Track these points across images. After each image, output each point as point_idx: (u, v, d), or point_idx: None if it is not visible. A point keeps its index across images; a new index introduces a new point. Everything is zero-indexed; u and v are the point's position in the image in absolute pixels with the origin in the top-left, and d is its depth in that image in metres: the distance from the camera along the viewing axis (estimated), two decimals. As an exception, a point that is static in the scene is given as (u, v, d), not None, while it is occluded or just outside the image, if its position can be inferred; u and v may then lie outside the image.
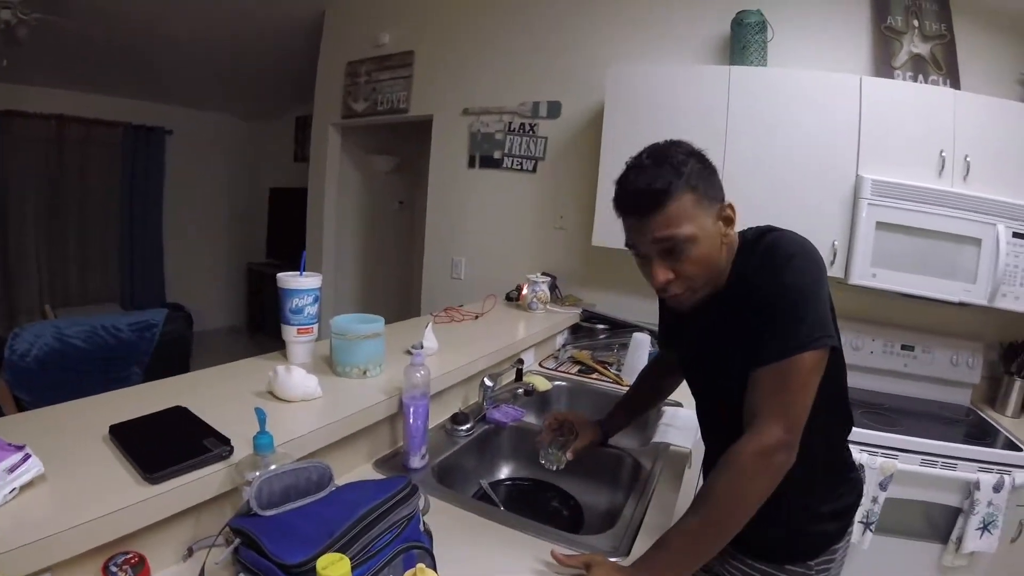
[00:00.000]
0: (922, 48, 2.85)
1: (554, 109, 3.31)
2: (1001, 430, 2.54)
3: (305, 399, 1.25)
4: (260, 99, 6.05)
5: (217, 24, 4.27)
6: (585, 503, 1.54)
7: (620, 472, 1.58)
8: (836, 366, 1.09)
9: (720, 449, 1.02)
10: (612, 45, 3.19)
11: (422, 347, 1.55)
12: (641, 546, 1.11)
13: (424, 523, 0.98)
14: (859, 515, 2.21)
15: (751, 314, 1.04)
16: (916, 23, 2.87)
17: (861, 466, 2.21)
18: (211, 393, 1.26)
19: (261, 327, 6.39)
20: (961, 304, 2.52)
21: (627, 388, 2.18)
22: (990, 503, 2.19)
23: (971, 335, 2.88)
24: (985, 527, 2.20)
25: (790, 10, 2.92)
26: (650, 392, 1.66)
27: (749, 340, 1.03)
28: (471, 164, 3.50)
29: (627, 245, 1.13)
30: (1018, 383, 2.72)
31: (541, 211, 3.39)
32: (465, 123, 3.50)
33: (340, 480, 1.00)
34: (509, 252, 3.46)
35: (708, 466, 1.43)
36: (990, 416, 2.73)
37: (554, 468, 1.46)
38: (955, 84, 2.79)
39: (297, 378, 1.24)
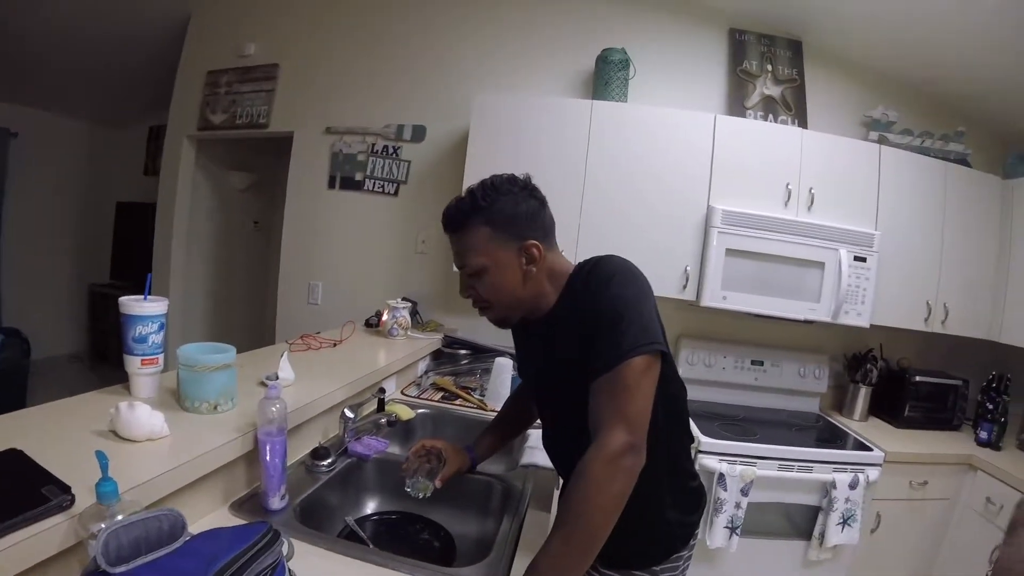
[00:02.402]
0: (774, 90, 3.24)
1: (419, 133, 3.40)
2: (850, 432, 2.92)
3: (151, 438, 1.20)
4: (114, 105, 5.65)
5: (74, 20, 4.00)
6: (456, 533, 1.58)
7: (490, 498, 1.63)
8: (668, 377, 1.22)
9: (564, 468, 1.13)
10: (480, 72, 3.35)
11: (277, 378, 1.53)
12: (517, 573, 1.17)
13: (289, 570, 0.97)
14: (724, 521, 2.45)
15: (580, 333, 1.16)
16: (770, 67, 3.26)
17: (722, 475, 2.47)
18: (49, 432, 1.19)
19: (104, 356, 5.96)
20: (807, 321, 2.87)
21: (491, 413, 2.29)
22: (847, 500, 2.51)
23: (816, 348, 3.29)
24: (845, 522, 2.52)
25: (652, 50, 3.25)
26: (519, 416, 1.75)
27: (582, 357, 1.14)
28: (331, 185, 3.49)
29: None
30: (863, 390, 3.14)
31: (402, 235, 3.44)
32: (327, 142, 3.50)
33: (195, 528, 0.98)
34: (369, 277, 3.47)
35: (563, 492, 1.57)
36: (839, 421, 3.12)
37: (420, 497, 1.49)
38: (803, 124, 3.19)
39: (141, 415, 1.19)
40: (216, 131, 3.81)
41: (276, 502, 1.30)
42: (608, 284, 1.17)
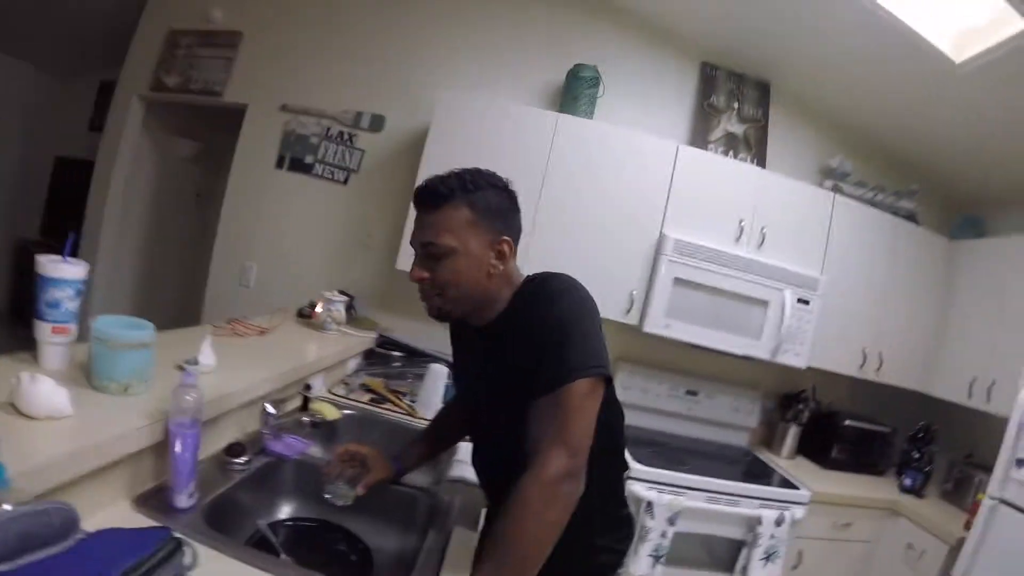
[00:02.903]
0: (737, 128, 3.31)
1: (377, 122, 3.31)
2: (778, 470, 2.98)
3: (52, 416, 1.09)
4: (67, 53, 5.25)
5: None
6: (375, 546, 1.51)
7: (414, 512, 1.58)
8: (609, 402, 1.18)
9: (499, 496, 1.09)
10: (448, 69, 3.30)
11: (197, 363, 1.47)
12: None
13: (191, 583, 0.89)
14: (648, 549, 2.46)
15: (523, 348, 1.13)
16: (736, 105, 3.34)
17: (650, 504, 2.48)
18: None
19: (24, 317, 5.52)
20: (745, 357, 2.93)
21: (421, 421, 2.23)
22: (772, 536, 2.56)
23: (751, 384, 3.36)
24: (768, 558, 2.57)
25: (624, 72, 3.27)
26: (449, 429, 1.70)
27: (522, 374, 1.11)
28: (279, 164, 3.37)
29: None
30: (793, 428, 3.22)
31: (347, 226, 3.34)
32: (281, 120, 3.38)
33: (91, 522, 0.91)
34: (307, 265, 3.36)
35: (490, 510, 1.51)
36: (767, 457, 3.19)
37: (340, 504, 1.43)
38: (761, 163, 3.26)
39: (43, 390, 1.09)
40: (168, 93, 3.64)
41: (183, 500, 1.21)
42: (555, 302, 1.15)
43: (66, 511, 0.83)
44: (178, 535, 0.89)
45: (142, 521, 1.14)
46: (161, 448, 1.25)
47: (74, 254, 1.36)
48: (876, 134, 3.53)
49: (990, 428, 3.01)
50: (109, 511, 1.15)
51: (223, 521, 1.31)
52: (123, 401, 1.27)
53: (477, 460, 1.46)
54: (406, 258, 2.81)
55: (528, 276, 1.28)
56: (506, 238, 1.24)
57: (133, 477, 1.23)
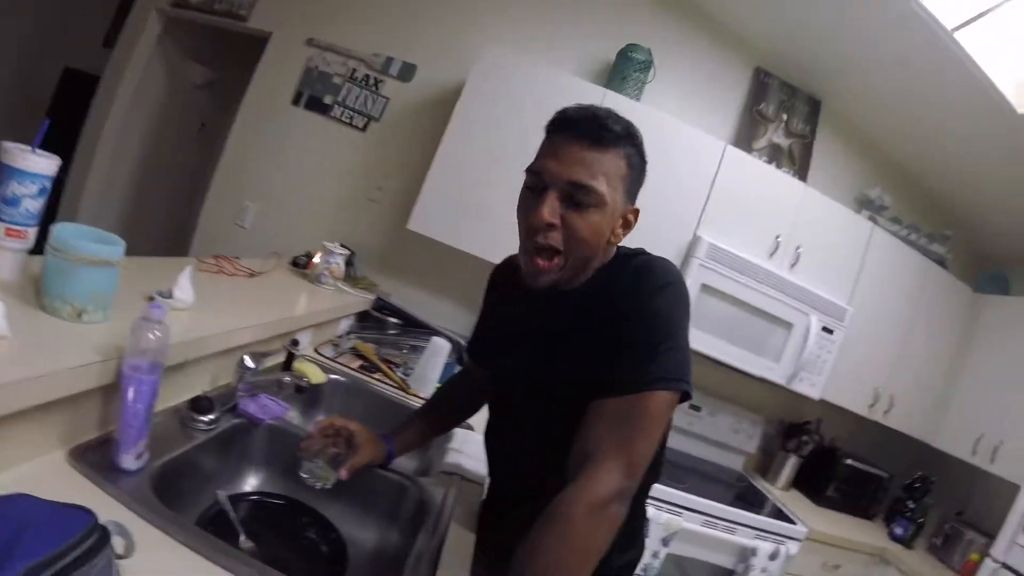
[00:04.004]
0: (783, 140, 3.09)
1: (407, 71, 3.04)
2: (774, 501, 2.80)
3: None
4: None
5: None
6: (350, 537, 1.28)
7: (401, 504, 1.33)
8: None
9: (514, 489, 0.96)
10: (492, 26, 3.02)
11: (171, 296, 1.22)
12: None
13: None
14: (638, 568, 2.26)
15: (606, 334, 0.93)
16: (785, 117, 3.11)
17: (648, 519, 2.28)
18: None
19: None
20: (761, 379, 2.72)
21: (413, 398, 1.99)
22: (764, 570, 2.38)
23: (755, 407, 3.15)
24: None
25: (676, 62, 3.04)
26: (453, 410, 1.48)
27: (594, 363, 0.92)
28: (296, 101, 3.09)
29: (530, 168, 1.01)
30: (792, 459, 3.02)
31: (359, 176, 3.07)
32: (305, 55, 3.09)
33: (9, 476, 0.79)
34: (309, 212, 3.09)
35: (494, 506, 1.29)
36: (762, 485, 3.00)
37: (318, 487, 1.21)
38: (802, 181, 3.03)
39: None
40: (190, 11, 3.35)
41: (130, 461, 0.96)
42: (658, 294, 0.94)
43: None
44: (104, 523, 0.65)
45: (76, 480, 0.91)
46: (111, 392, 1.00)
47: (47, 146, 1.11)
48: (920, 172, 3.36)
49: (987, 488, 2.99)
50: (37, 463, 0.91)
51: (176, 487, 1.07)
52: (74, 329, 1.03)
53: (492, 442, 1.25)
54: (420, 220, 2.60)
55: (621, 249, 1.08)
56: (636, 207, 1.03)
57: (73, 424, 0.99)
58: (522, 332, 1.12)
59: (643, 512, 1.25)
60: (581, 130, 0.96)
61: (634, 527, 1.20)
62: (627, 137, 0.98)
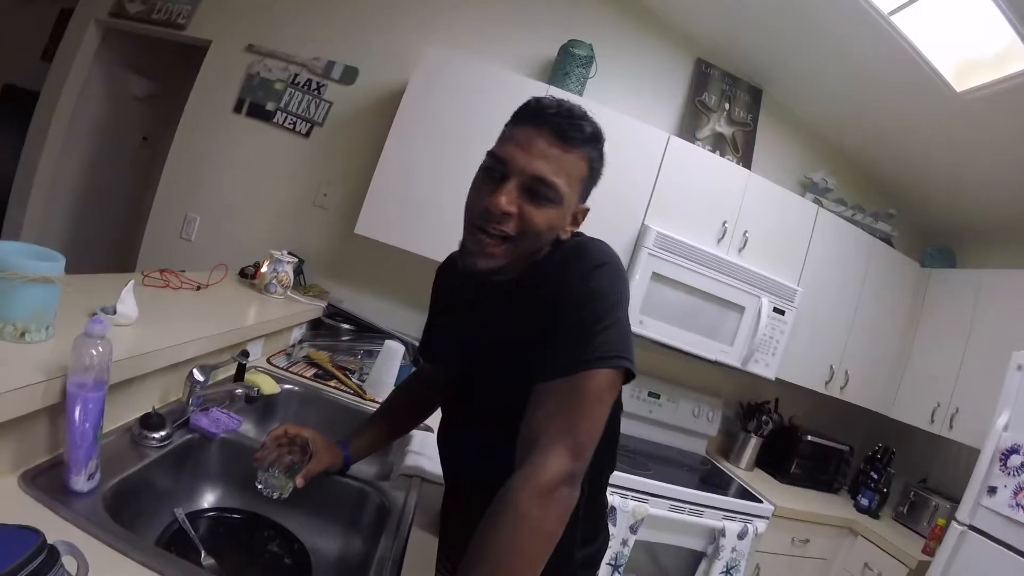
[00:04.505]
0: (726, 129, 3.19)
1: (350, 74, 3.03)
2: (738, 481, 2.88)
3: None
4: None
5: None
6: (313, 547, 1.28)
7: (362, 510, 1.34)
8: (618, 402, 1.04)
9: (470, 485, 0.98)
10: (433, 26, 3.04)
11: (114, 312, 1.21)
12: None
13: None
14: (608, 557, 2.29)
15: (543, 318, 0.94)
16: (727, 106, 3.21)
17: (613, 508, 2.30)
18: None
19: None
20: (716, 363, 2.79)
21: (370, 403, 1.98)
22: (734, 549, 2.45)
23: (713, 391, 3.25)
24: (728, 571, 2.46)
25: (618, 56, 3.10)
26: (408, 412, 1.50)
27: (535, 348, 0.93)
28: (237, 109, 3.05)
29: (491, 152, 1.01)
30: (754, 440, 3.11)
31: (303, 182, 3.06)
32: (245, 61, 3.06)
33: None
34: (256, 221, 3.06)
35: (453, 504, 1.30)
36: (725, 467, 3.09)
37: (275, 497, 1.21)
38: (746, 168, 3.12)
39: None
40: (128, 21, 3.29)
41: (81, 482, 0.95)
42: (594, 273, 0.95)
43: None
44: (53, 543, 0.64)
45: (28, 505, 0.90)
46: (58, 413, 0.99)
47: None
48: (861, 153, 3.49)
49: (948, 454, 3.12)
50: (-11, 488, 0.89)
51: (132, 507, 1.07)
52: (18, 349, 1.01)
53: (447, 439, 1.26)
54: (367, 224, 2.60)
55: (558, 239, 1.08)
56: (586, 207, 1.07)
57: (22, 447, 0.98)
58: (469, 329, 1.14)
59: (603, 505, 1.27)
60: (553, 125, 0.97)
61: (595, 521, 1.21)
62: (594, 140, 1.01)
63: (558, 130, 0.96)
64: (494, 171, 0.99)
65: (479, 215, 0.98)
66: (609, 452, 1.16)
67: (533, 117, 0.99)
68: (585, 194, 1.06)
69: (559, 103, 0.99)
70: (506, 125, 1.04)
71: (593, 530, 1.21)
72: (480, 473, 1.11)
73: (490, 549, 0.79)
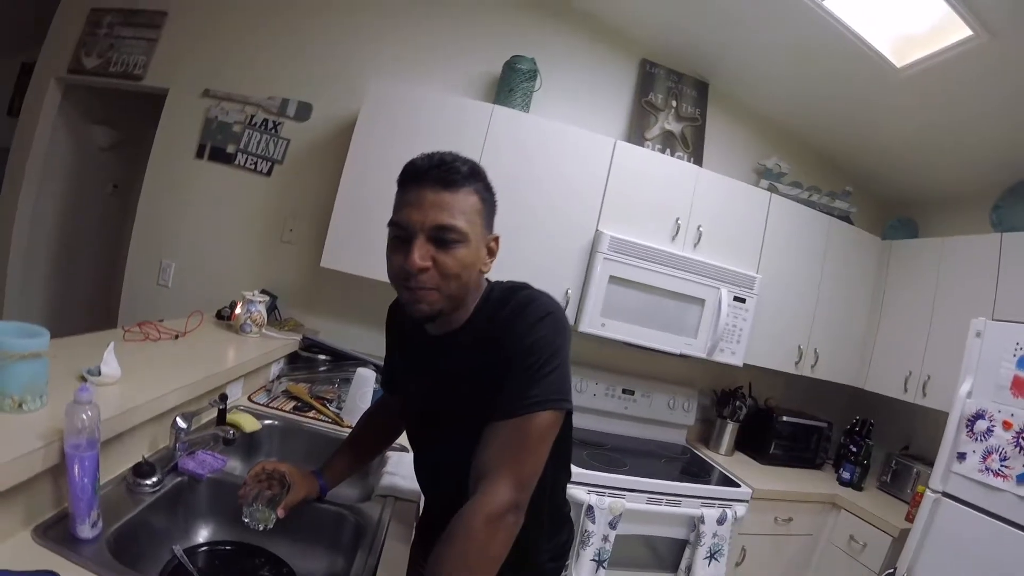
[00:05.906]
0: (675, 126, 3.37)
1: (304, 111, 3.21)
2: (717, 467, 3.07)
3: None
4: None
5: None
6: (302, 570, 1.47)
7: (341, 531, 1.53)
8: (567, 428, 1.21)
9: (441, 505, 1.08)
10: (380, 57, 3.22)
11: (100, 373, 1.38)
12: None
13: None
14: (591, 554, 2.48)
15: (494, 364, 1.11)
16: (675, 103, 3.40)
17: (590, 507, 2.48)
18: None
19: None
20: (682, 356, 2.98)
21: (347, 429, 2.13)
22: (715, 535, 2.62)
23: (687, 382, 3.44)
24: (712, 556, 2.63)
25: (562, 66, 3.29)
26: (375, 436, 1.67)
27: (487, 390, 1.10)
28: (199, 154, 3.22)
29: (392, 222, 1.16)
30: (730, 425, 3.30)
31: (269, 220, 3.23)
32: (203, 106, 3.23)
33: None
34: (227, 262, 3.23)
35: (428, 523, 1.50)
36: (705, 454, 3.27)
37: (261, 528, 1.37)
38: (698, 162, 3.33)
39: None
40: (87, 76, 3.45)
41: (86, 530, 1.13)
42: (539, 324, 1.13)
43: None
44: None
45: (43, 555, 1.07)
46: (60, 471, 1.17)
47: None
48: (812, 136, 3.68)
49: (926, 421, 3.22)
50: (8, 545, 1.07)
51: (134, 549, 1.25)
52: (17, 419, 1.19)
53: (421, 470, 1.44)
54: (332, 256, 2.77)
55: (493, 282, 1.26)
56: (496, 235, 1.22)
57: (32, 505, 1.15)
58: (423, 370, 1.32)
59: (564, 502, 1.49)
60: (432, 177, 1.11)
61: (558, 515, 1.44)
62: (473, 175, 1.15)
63: (438, 179, 1.11)
64: (400, 236, 1.13)
65: (402, 277, 1.13)
66: (563, 462, 1.36)
67: (414, 177, 1.13)
68: (489, 225, 1.20)
69: (430, 157, 1.14)
70: (396, 194, 1.18)
71: (558, 524, 1.44)
72: (442, 495, 1.30)
73: (446, 564, 0.94)
